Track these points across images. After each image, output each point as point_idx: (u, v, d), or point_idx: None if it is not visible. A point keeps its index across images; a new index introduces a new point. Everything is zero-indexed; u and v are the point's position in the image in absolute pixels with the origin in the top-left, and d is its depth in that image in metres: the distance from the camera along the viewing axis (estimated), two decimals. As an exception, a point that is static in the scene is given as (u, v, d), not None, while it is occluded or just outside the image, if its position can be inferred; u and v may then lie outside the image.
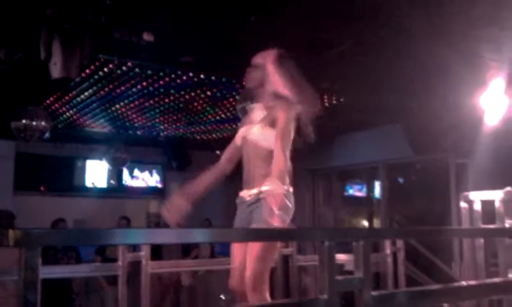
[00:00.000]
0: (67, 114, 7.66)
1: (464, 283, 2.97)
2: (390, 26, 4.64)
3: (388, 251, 5.27)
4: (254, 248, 2.80)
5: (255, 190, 2.95)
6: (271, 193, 2.74)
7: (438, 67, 5.34)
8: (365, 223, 9.71)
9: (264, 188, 2.87)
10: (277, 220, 2.65)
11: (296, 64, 3.08)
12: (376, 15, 4.50)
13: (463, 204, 3.69)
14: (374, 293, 1.88)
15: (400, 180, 9.58)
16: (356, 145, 8.79)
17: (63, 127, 8.30)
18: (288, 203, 2.85)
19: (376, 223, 9.15)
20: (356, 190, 10.61)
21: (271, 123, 2.98)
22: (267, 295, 2.78)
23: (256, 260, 2.78)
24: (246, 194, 3.00)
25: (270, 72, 3.03)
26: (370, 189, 9.77)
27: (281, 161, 2.87)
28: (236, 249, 2.99)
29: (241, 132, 3.16)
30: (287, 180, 2.93)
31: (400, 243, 5.38)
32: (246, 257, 2.88)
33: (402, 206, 8.99)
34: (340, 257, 4.27)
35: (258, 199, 2.90)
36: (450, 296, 2.37)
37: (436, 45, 4.94)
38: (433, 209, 7.89)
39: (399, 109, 6.89)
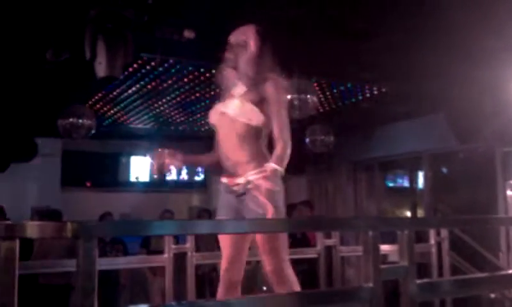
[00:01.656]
0: (111, 111, 7.85)
1: (510, 271, 2.94)
2: (432, 14, 4.59)
3: (432, 241, 5.23)
4: (264, 243, 2.68)
5: (241, 180, 2.74)
6: (260, 187, 2.56)
7: (481, 54, 5.25)
8: (409, 214, 9.62)
9: (251, 177, 2.66)
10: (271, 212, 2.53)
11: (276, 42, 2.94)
12: (419, 3, 4.46)
13: (509, 193, 3.63)
14: (418, 281, 1.90)
15: (444, 170, 9.43)
16: (399, 135, 8.70)
17: (108, 124, 8.50)
18: (278, 187, 2.68)
19: (420, 214, 9.04)
20: (399, 181, 10.51)
21: (256, 99, 2.79)
22: (296, 286, 2.65)
23: (270, 254, 2.68)
24: (232, 182, 2.78)
25: (251, 52, 2.86)
26: (414, 180, 9.66)
27: (286, 143, 2.70)
28: (224, 238, 2.83)
29: (217, 107, 2.95)
30: (285, 163, 2.73)
31: (444, 233, 5.33)
32: (237, 247, 2.78)
33: (446, 196, 8.86)
34: (384, 248, 4.27)
35: (247, 189, 2.70)
36: (495, 285, 2.36)
37: (479, 32, 4.85)
38: (479, 199, 7.74)
39: (441, 97, 6.80)
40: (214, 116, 2.96)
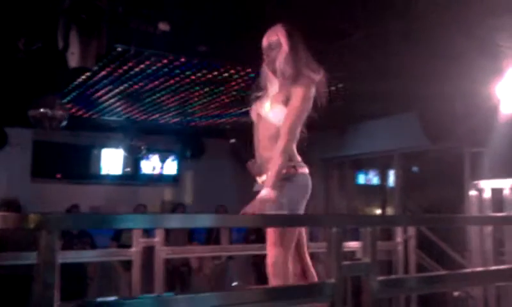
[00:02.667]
0: (84, 103, 7.76)
1: (469, 269, 3.00)
2: (406, 14, 4.65)
3: (399, 239, 5.30)
4: (270, 235, 2.79)
5: (264, 177, 2.87)
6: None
7: (454, 55, 5.33)
8: (379, 212, 9.73)
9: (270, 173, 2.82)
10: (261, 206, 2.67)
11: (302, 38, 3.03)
12: (392, 3, 4.51)
13: (472, 193, 3.70)
14: (380, 278, 1.94)
15: (415, 169, 9.57)
16: (371, 134, 8.78)
17: (80, 116, 8.40)
18: (296, 185, 2.83)
19: (390, 212, 9.16)
20: (370, 179, 10.62)
21: (284, 99, 2.89)
22: (283, 281, 2.73)
23: (273, 247, 2.77)
24: (260, 180, 2.94)
25: (284, 50, 2.94)
26: (384, 178, 9.77)
27: (288, 140, 2.80)
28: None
29: (255, 106, 3.07)
30: (296, 158, 2.88)
31: (411, 231, 5.40)
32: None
33: (416, 195, 8.99)
34: (352, 244, 4.32)
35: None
36: (456, 282, 2.41)
37: (452, 33, 4.93)
38: (447, 198, 7.87)
39: (414, 97, 6.87)
40: (253, 115, 3.08)
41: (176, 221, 2.02)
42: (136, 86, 6.90)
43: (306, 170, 2.93)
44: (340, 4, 4.57)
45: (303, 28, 4.94)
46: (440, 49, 5.30)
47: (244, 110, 8.18)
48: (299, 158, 2.93)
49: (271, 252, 2.79)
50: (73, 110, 7.95)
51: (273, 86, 3.02)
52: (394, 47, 5.43)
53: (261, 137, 2.98)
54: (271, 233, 2.79)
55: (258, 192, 2.91)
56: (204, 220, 2.14)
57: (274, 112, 2.90)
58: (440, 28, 4.85)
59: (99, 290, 7.42)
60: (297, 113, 2.86)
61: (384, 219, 3.14)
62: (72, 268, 6.46)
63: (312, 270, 3.02)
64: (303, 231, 3.02)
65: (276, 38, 2.98)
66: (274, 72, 3.01)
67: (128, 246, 4.63)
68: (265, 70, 3.08)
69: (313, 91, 2.91)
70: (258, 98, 3.10)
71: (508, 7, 4.45)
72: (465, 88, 6.17)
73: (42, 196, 8.53)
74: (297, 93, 2.87)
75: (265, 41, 3.03)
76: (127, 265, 6.55)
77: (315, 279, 2.96)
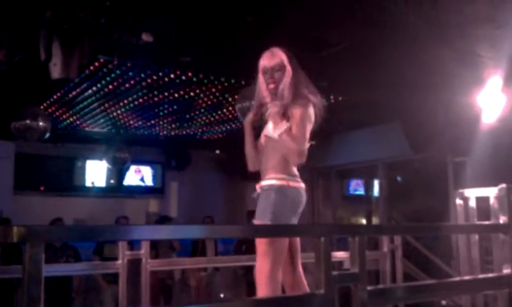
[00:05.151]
0: (67, 114, 7.69)
1: (457, 278, 3.01)
2: (387, 25, 4.68)
3: (385, 249, 5.30)
4: (258, 245, 2.83)
5: (262, 182, 2.97)
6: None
7: (436, 65, 5.38)
8: (364, 221, 9.76)
9: (263, 183, 2.94)
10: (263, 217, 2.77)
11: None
12: (373, 14, 4.54)
13: (458, 202, 3.73)
14: (369, 287, 1.93)
15: (399, 178, 9.63)
16: (356, 144, 8.83)
17: (63, 128, 8.32)
18: (285, 197, 2.88)
19: (375, 221, 9.19)
20: (355, 189, 10.66)
21: (282, 115, 2.91)
22: (275, 293, 2.73)
23: (261, 257, 2.80)
24: (259, 186, 3.01)
25: (289, 73, 2.96)
26: (369, 188, 9.81)
27: (296, 149, 2.84)
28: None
29: (264, 131, 3.13)
30: (291, 172, 2.93)
31: (397, 240, 5.41)
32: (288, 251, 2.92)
33: (400, 204, 9.04)
34: (340, 254, 4.32)
35: (263, 191, 2.94)
36: (444, 291, 2.41)
37: (433, 43, 4.97)
38: (432, 207, 7.93)
39: (397, 107, 6.93)
40: (263, 138, 3.09)
41: (164, 233, 1.99)
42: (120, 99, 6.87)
43: (298, 185, 2.97)
44: (323, 15, 4.59)
45: (286, 38, 4.97)
46: (422, 60, 5.35)
47: (230, 122, 8.19)
48: (295, 172, 2.98)
49: (259, 262, 2.81)
50: (56, 121, 7.88)
51: (271, 107, 2.98)
52: (377, 58, 5.46)
53: (267, 152, 3.02)
54: (259, 244, 2.82)
55: (257, 198, 2.99)
56: (192, 231, 2.11)
57: (276, 129, 2.92)
58: (421, 39, 4.89)
59: (84, 305, 7.33)
60: (302, 136, 2.88)
61: (372, 229, 3.14)
62: (56, 283, 6.40)
63: (304, 280, 3.02)
64: (298, 241, 3.04)
65: (280, 60, 2.98)
66: (274, 93, 2.99)
67: (111, 259, 4.57)
68: (261, 88, 3.07)
69: (311, 110, 2.94)
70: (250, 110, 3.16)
71: (486, 17, 4.50)
72: (447, 98, 6.24)
73: (25, 209, 8.42)
74: (297, 114, 2.89)
75: (268, 63, 3.00)
76: (109, 277, 6.50)
77: (307, 289, 2.95)
